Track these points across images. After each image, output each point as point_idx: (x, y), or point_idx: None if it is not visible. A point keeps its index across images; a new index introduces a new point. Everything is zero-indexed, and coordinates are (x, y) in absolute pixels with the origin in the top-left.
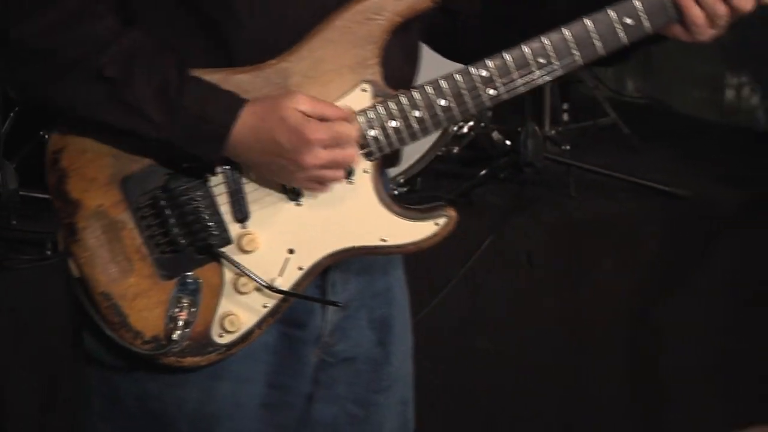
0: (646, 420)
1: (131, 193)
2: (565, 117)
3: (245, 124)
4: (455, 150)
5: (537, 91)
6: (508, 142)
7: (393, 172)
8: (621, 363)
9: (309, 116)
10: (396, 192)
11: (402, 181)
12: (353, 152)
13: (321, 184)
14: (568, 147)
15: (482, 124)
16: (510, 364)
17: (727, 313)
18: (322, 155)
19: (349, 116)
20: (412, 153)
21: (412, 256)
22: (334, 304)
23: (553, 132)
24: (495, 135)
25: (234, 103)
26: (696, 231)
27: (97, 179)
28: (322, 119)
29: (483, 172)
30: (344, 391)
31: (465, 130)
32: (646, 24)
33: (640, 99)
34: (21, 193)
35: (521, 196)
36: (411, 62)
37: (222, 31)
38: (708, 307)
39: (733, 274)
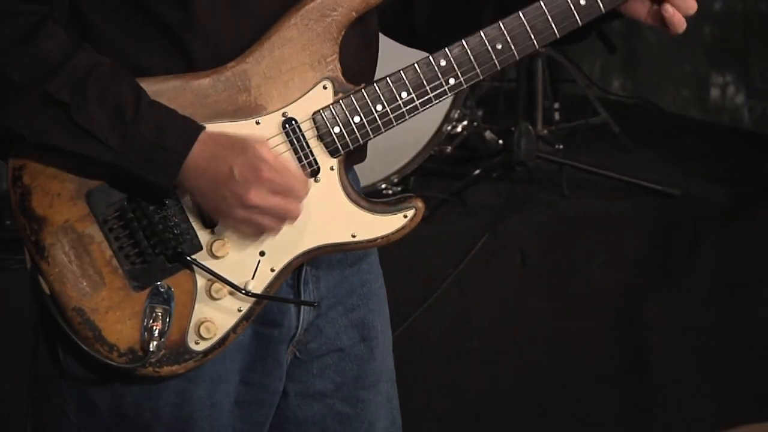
0: (637, 419)
1: (97, 206)
2: (556, 116)
3: (201, 150)
4: (448, 149)
5: (529, 90)
6: (500, 142)
7: (386, 171)
8: (613, 362)
9: (268, 163)
10: (386, 190)
11: (396, 180)
12: (297, 210)
13: (255, 228)
14: (561, 146)
15: (475, 124)
16: (502, 363)
17: (717, 312)
18: (268, 198)
19: (305, 179)
20: (406, 152)
21: (406, 255)
22: (309, 304)
23: (545, 131)
24: (487, 134)
25: (191, 129)
26: (687, 230)
27: (61, 194)
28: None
29: (476, 171)
30: (326, 388)
31: (458, 129)
32: (600, 3)
33: (629, 98)
34: None
35: (514, 195)
36: (370, 54)
37: (181, 32)
38: (698, 305)
39: (721, 272)
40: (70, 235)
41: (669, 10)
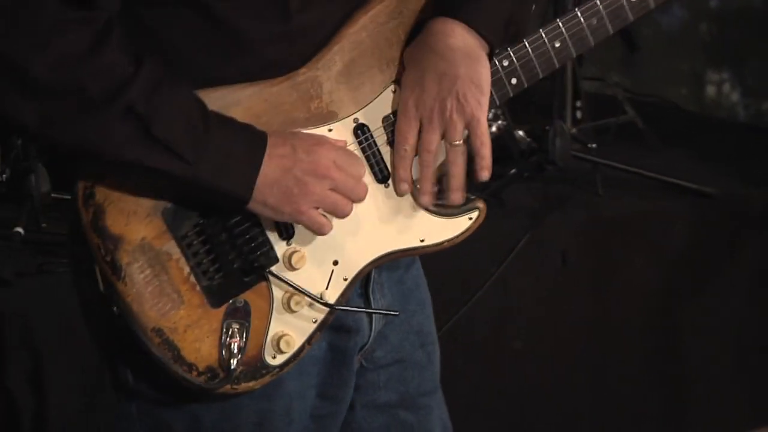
0: (675, 419)
1: (174, 221)
2: (578, 114)
3: (273, 150)
4: None
5: (560, 89)
6: (529, 140)
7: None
8: (652, 362)
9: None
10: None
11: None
12: (361, 187)
13: (326, 206)
14: (594, 145)
15: (506, 123)
16: (544, 363)
17: (756, 312)
18: (336, 169)
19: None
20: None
21: (448, 256)
22: (391, 313)
23: (574, 130)
24: (519, 134)
25: (257, 134)
26: (724, 229)
27: (137, 211)
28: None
29: (512, 171)
30: (392, 399)
31: (493, 129)
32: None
33: (645, 96)
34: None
35: (549, 195)
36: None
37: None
38: (737, 305)
39: (761, 272)
40: (148, 254)
41: None
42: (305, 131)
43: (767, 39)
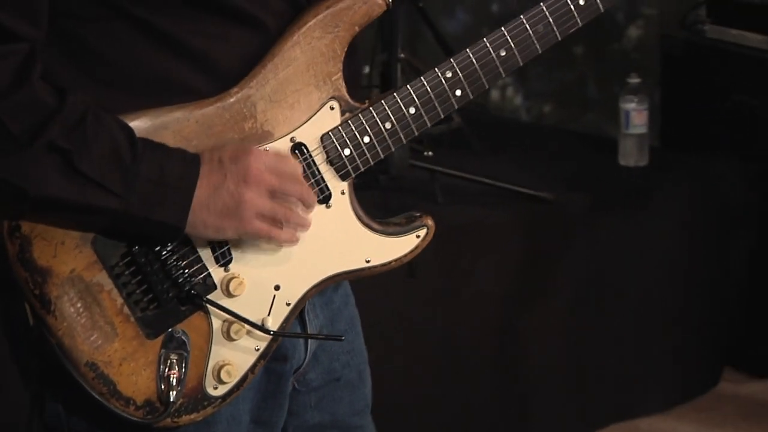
0: (516, 424)
1: (105, 251)
2: None
3: (206, 176)
4: None
5: None
6: None
7: None
8: (495, 369)
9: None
10: None
11: None
12: (309, 220)
13: (264, 210)
14: (431, 153)
15: None
16: (396, 375)
17: (584, 317)
18: (265, 173)
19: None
20: None
21: None
22: (336, 338)
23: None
24: None
25: (189, 158)
26: (559, 234)
27: (65, 242)
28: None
29: None
30: (324, 419)
31: None
32: (599, 3)
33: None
34: None
35: (388, 205)
36: (355, 65)
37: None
38: (569, 310)
39: (589, 277)
40: (78, 286)
41: None
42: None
43: None
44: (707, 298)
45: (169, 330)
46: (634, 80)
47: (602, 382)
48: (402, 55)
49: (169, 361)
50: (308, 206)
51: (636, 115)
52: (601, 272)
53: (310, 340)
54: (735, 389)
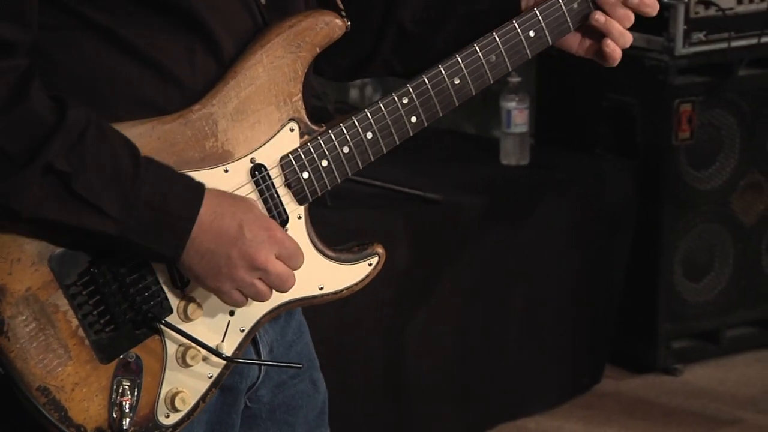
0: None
1: (62, 270)
2: None
3: (207, 211)
4: None
5: None
6: None
7: None
8: (382, 373)
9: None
10: None
11: None
12: (294, 280)
13: (251, 292)
14: None
15: None
16: None
17: (469, 320)
18: (276, 263)
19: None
20: None
21: None
22: (294, 366)
23: None
24: None
25: (192, 189)
26: (448, 235)
27: (21, 259)
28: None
29: None
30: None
31: None
32: (548, 37)
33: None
34: None
35: None
36: (308, 85)
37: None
38: (456, 313)
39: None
40: (33, 306)
41: (610, 45)
42: (200, 172)
43: None
44: (590, 296)
45: (123, 354)
46: (514, 79)
47: (489, 383)
48: None
49: (121, 387)
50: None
51: (517, 114)
52: (488, 273)
53: (263, 357)
54: (616, 386)
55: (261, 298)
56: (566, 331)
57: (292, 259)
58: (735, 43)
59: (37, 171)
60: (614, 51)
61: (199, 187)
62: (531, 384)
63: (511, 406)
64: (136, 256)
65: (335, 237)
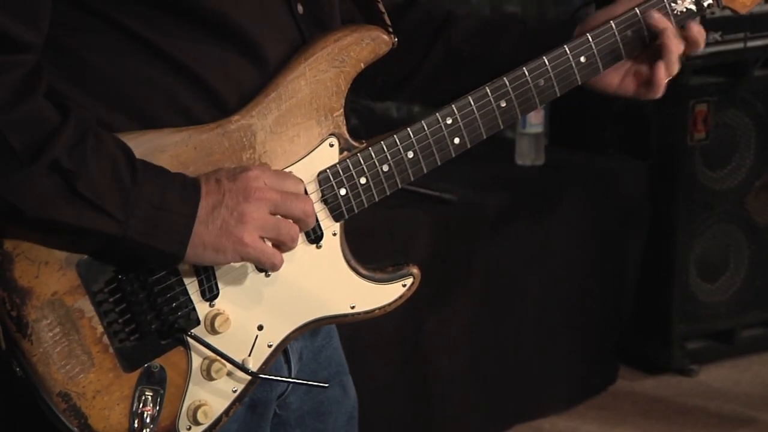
0: (421, 426)
1: (89, 275)
2: None
3: (206, 200)
4: None
5: None
6: None
7: None
8: (399, 372)
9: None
10: None
11: None
12: (311, 207)
13: (272, 233)
14: None
15: None
16: None
17: (487, 318)
18: (269, 193)
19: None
20: None
21: None
22: (321, 386)
23: None
24: None
25: (189, 183)
26: (463, 234)
27: (49, 262)
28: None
29: None
30: None
31: None
32: (600, 63)
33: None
34: None
35: None
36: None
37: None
38: (473, 312)
39: (491, 277)
40: (58, 310)
41: (662, 72)
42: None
43: None
44: (604, 297)
45: (148, 364)
46: None
47: (505, 384)
48: None
49: (144, 397)
50: (309, 225)
51: (533, 114)
52: (502, 273)
53: (292, 365)
54: (631, 386)
55: (285, 232)
56: (581, 332)
57: (284, 182)
58: (750, 44)
59: (42, 168)
60: (663, 79)
61: (195, 181)
62: (546, 385)
63: (527, 407)
64: (135, 259)
65: (348, 237)
